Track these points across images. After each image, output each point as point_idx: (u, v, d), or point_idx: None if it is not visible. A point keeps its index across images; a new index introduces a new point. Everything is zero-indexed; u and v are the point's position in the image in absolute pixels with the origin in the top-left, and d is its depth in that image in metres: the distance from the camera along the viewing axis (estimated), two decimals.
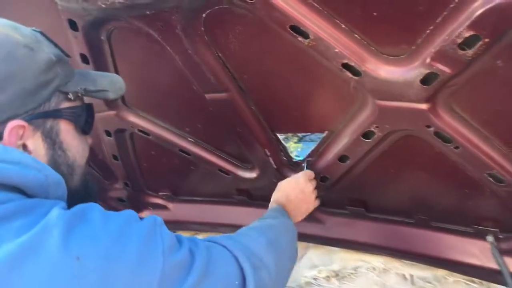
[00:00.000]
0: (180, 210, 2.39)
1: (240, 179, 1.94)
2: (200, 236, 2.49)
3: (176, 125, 1.82)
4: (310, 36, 1.16)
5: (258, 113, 1.59)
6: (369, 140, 1.42)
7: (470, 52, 1.01)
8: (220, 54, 1.40)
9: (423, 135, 1.32)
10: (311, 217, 1.95)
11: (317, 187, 1.62)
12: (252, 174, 1.89)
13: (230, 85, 1.49)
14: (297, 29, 1.17)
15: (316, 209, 1.92)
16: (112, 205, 2.46)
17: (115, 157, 2.12)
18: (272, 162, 1.75)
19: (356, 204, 1.82)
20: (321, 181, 1.70)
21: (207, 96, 1.54)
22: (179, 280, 0.81)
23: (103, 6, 1.26)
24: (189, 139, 1.86)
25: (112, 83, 1.09)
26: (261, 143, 1.68)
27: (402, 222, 1.79)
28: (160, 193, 2.36)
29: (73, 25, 1.42)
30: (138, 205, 2.45)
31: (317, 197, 1.63)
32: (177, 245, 0.86)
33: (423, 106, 1.22)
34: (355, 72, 1.21)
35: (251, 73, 1.46)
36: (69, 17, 1.40)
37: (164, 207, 2.41)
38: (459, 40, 1.00)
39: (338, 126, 1.49)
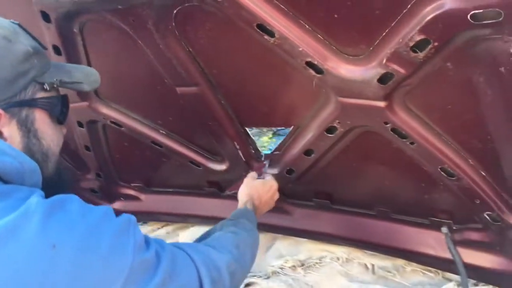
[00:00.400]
0: (152, 201, 2.43)
1: (211, 171, 1.99)
2: (170, 228, 2.55)
3: (148, 117, 1.86)
4: (276, 35, 1.22)
5: (227, 107, 1.64)
6: (332, 135, 1.50)
7: (421, 55, 1.09)
8: (190, 49, 1.45)
9: (381, 131, 1.40)
10: (279, 209, 2.04)
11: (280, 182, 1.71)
12: (222, 167, 1.94)
13: (200, 80, 1.54)
14: (263, 28, 1.23)
15: (284, 201, 2.00)
16: (84, 195, 2.47)
17: (87, 148, 2.14)
18: (241, 155, 1.81)
19: (321, 196, 1.91)
20: (287, 173, 1.77)
21: (178, 89, 1.59)
22: (145, 279, 0.85)
23: None
24: (161, 131, 1.90)
25: (87, 75, 1.12)
26: (231, 136, 1.74)
27: (364, 214, 1.88)
28: (132, 184, 2.39)
29: (45, 16, 1.44)
30: (110, 196, 2.48)
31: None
32: (145, 245, 0.89)
33: (381, 104, 1.30)
34: (318, 70, 1.28)
35: (220, 68, 1.51)
36: (42, 9, 1.42)
37: (136, 198, 2.45)
38: (411, 43, 1.08)
39: (304, 121, 1.57)
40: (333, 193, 1.88)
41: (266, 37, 1.25)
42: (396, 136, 1.39)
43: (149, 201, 2.44)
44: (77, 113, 1.93)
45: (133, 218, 0.92)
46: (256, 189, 1.63)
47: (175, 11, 1.31)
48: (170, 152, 1.97)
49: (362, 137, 1.50)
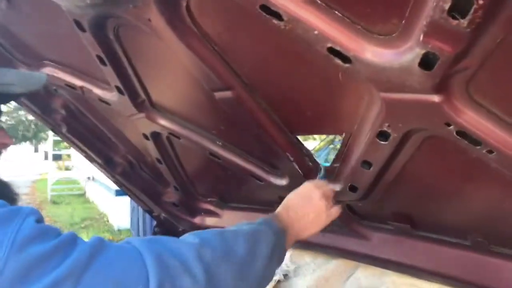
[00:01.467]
0: (231, 218, 2.30)
1: (274, 187, 1.78)
2: None
3: (201, 126, 1.74)
4: (284, 17, 0.99)
5: (271, 113, 1.43)
6: (386, 143, 1.18)
7: (464, 22, 0.75)
8: (214, 47, 1.28)
9: (446, 136, 1.05)
10: (354, 232, 1.73)
11: (334, 194, 1.41)
12: (282, 182, 1.72)
13: (233, 82, 1.36)
14: (268, 9, 1.00)
15: (359, 224, 1.70)
16: (168, 209, 2.47)
17: (159, 161, 2.12)
18: (298, 168, 1.57)
19: (399, 219, 1.55)
20: (351, 190, 1.47)
21: (216, 95, 1.44)
22: (38, 274, 0.74)
23: (88, 2, 1.23)
24: (217, 142, 1.77)
25: (25, 79, 1.12)
26: (281, 146, 1.51)
27: (456, 244, 1.47)
28: (209, 199, 2.31)
29: (79, 25, 1.42)
30: (191, 210, 2.43)
31: (336, 204, 1.41)
32: (41, 237, 0.79)
33: (434, 98, 0.96)
34: (344, 58, 1.00)
35: (251, 67, 1.31)
36: (74, 18, 1.40)
37: (215, 214, 2.35)
38: (446, 5, 0.75)
39: (354, 127, 1.27)
40: (412, 216, 1.51)
41: (275, 21, 1.01)
42: (466, 141, 1.02)
43: (228, 217, 2.32)
44: (140, 125, 1.91)
45: (35, 210, 0.85)
46: (296, 196, 1.39)
47: (185, 3, 1.16)
48: (230, 165, 1.82)
49: (428, 145, 1.15)
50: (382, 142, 1.18)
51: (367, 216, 1.67)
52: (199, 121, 1.74)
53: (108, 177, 2.41)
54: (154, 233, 2.59)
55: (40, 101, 1.99)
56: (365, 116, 1.18)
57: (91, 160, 2.29)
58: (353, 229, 1.74)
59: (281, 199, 1.89)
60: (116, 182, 2.47)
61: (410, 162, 1.26)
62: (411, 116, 1.04)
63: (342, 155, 1.41)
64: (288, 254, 2.05)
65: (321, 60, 1.05)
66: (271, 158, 1.63)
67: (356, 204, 1.61)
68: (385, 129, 1.13)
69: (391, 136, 1.14)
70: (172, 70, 1.55)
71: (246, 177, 1.86)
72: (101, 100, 1.84)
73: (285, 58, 1.22)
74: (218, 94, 1.43)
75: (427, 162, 1.24)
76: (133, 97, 1.72)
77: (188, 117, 1.75)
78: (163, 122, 1.80)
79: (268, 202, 2.01)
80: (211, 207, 2.33)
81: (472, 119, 0.96)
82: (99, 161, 2.26)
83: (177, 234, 2.69)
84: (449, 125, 0.99)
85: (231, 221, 2.28)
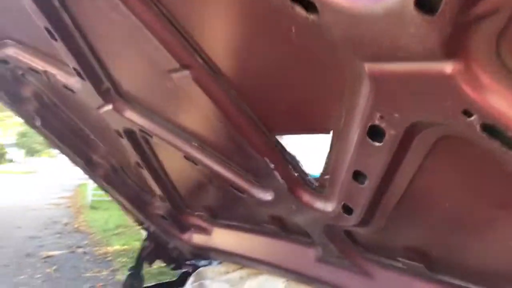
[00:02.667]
0: (220, 236, 1.97)
1: (260, 202, 1.43)
2: (245, 272, 2.02)
3: (171, 121, 1.43)
4: None
5: (241, 103, 1.09)
6: (381, 144, 0.81)
7: None
8: (165, 13, 0.97)
9: (467, 134, 0.67)
10: (355, 266, 1.35)
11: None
12: (266, 196, 1.37)
13: (190, 60, 1.04)
14: None
15: (361, 255, 1.32)
16: (156, 222, 2.16)
17: (139, 165, 1.82)
18: (280, 179, 1.21)
19: (412, 255, 1.16)
20: (344, 211, 1.10)
21: (174, 77, 1.12)
22: None
23: None
24: (193, 143, 1.44)
25: None
26: (257, 149, 1.17)
27: None
28: (197, 213, 1.98)
29: None
30: (180, 225, 2.11)
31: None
32: None
33: (444, 67, 0.59)
34: (307, 4, 0.65)
35: (212, 43, 0.99)
36: None
37: (205, 230, 2.02)
38: None
39: (340, 123, 0.91)
40: (428, 253, 1.11)
41: None
42: (499, 143, 0.64)
43: (218, 236, 1.98)
44: (110, 120, 1.62)
45: None
46: None
47: None
48: (208, 172, 1.49)
49: (442, 150, 0.77)
50: (375, 143, 0.81)
51: (372, 248, 1.29)
52: (170, 116, 1.43)
53: (92, 180, 2.15)
54: (144, 248, 2.29)
55: (9, 88, 1.76)
56: (352, 106, 0.82)
57: (71, 159, 2.04)
58: (355, 262, 1.35)
59: (272, 219, 1.56)
60: (101, 187, 2.21)
61: (420, 176, 0.88)
62: (410, 100, 0.68)
63: (331, 163, 1.05)
64: (282, 285, 1.68)
65: (288, 22, 0.72)
66: (249, 164, 1.29)
67: (357, 232, 1.24)
68: (377, 122, 0.77)
69: (387, 134, 0.77)
70: (132, 50, 1.26)
71: (230, 190, 1.52)
72: (66, 87, 1.57)
73: (249, 28, 0.89)
74: (176, 76, 1.11)
75: (444, 176, 0.86)
76: (96, 83, 1.44)
77: (158, 110, 1.44)
78: (131, 115, 1.50)
79: (259, 221, 1.66)
80: (200, 222, 2.00)
81: (507, 103, 0.59)
82: (79, 160, 2.00)
83: (166, 250, 2.39)
84: (469, 114, 0.62)
85: (221, 240, 1.94)
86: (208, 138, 1.38)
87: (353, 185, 0.98)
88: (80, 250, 8.53)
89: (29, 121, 1.88)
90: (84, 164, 1.99)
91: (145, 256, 2.27)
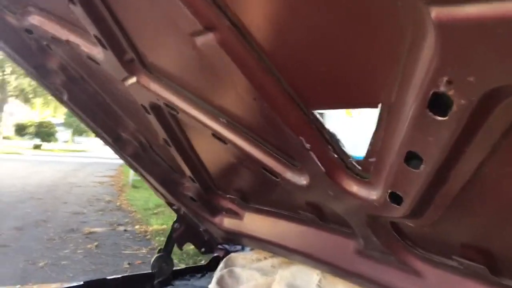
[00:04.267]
0: (252, 221, 1.83)
1: (295, 187, 1.28)
2: (276, 261, 1.89)
3: (198, 94, 1.29)
4: None
5: (274, 71, 0.94)
6: (444, 118, 0.63)
7: None
8: None
9: None
10: (404, 264, 1.18)
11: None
12: (301, 180, 1.21)
13: (214, 20, 0.89)
14: None
15: (409, 251, 1.15)
16: (186, 204, 2.06)
17: (167, 143, 1.71)
18: (317, 161, 1.06)
19: (472, 255, 0.98)
20: (392, 201, 0.94)
21: (197, 41, 0.98)
22: None
23: None
24: (221, 119, 1.31)
25: None
26: (291, 126, 1.01)
27: None
28: (228, 196, 1.85)
29: None
30: (210, 208, 1.99)
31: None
32: None
33: None
34: None
35: (249, 2, 0.84)
36: None
37: (236, 215, 1.90)
38: None
39: (392, 94, 0.74)
40: (493, 253, 0.93)
41: None
42: None
43: (250, 221, 1.85)
44: (136, 94, 1.51)
45: None
46: None
47: None
48: (238, 151, 1.35)
49: None
50: (438, 117, 0.64)
51: (422, 243, 1.12)
52: (196, 89, 1.29)
53: (121, 158, 2.07)
54: (174, 230, 2.20)
55: (34, 59, 1.69)
56: (409, 70, 0.65)
57: (99, 136, 1.96)
58: (401, 258, 1.19)
59: (309, 206, 1.40)
60: (130, 165, 2.12)
61: (493, 160, 0.70)
62: (492, 57, 0.50)
63: (378, 144, 0.88)
64: (317, 278, 1.54)
65: None
66: (283, 144, 1.13)
67: (405, 224, 1.07)
68: (442, 89, 0.59)
69: (455, 105, 0.60)
70: (154, 13, 1.12)
71: (262, 172, 1.37)
72: (90, 58, 1.46)
73: None
74: (199, 40, 0.96)
75: None
76: (119, 52, 1.33)
77: (183, 82, 1.31)
78: (156, 88, 1.38)
79: (294, 207, 1.52)
80: (232, 206, 1.88)
81: None
82: (108, 138, 1.91)
83: (197, 233, 2.29)
84: None
85: (252, 225, 1.81)
86: (237, 114, 1.24)
87: (405, 169, 0.81)
88: (121, 227, 8.72)
89: (56, 95, 1.81)
90: (112, 141, 1.91)
91: (175, 238, 2.18)
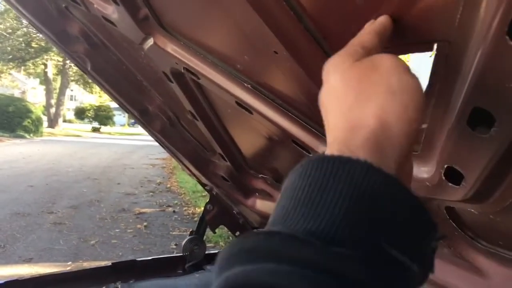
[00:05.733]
0: None
1: None
2: None
3: (218, 55, 1.12)
4: None
5: (302, 20, 0.74)
6: None
7: None
8: None
9: None
10: (464, 260, 0.97)
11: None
12: None
13: None
14: None
15: (471, 246, 0.93)
16: (218, 184, 1.91)
17: (193, 116, 1.55)
18: None
19: None
20: (448, 178, 0.72)
21: None
22: None
23: None
24: (245, 84, 1.13)
25: None
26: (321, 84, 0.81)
27: None
28: (260, 175, 1.68)
29: None
30: (244, 189, 1.83)
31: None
32: None
33: None
34: None
35: None
36: None
37: (270, 196, 1.72)
38: None
39: (451, 32, 0.53)
40: None
41: None
42: None
43: None
44: (155, 58, 1.36)
45: None
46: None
47: None
48: (264, 120, 1.17)
49: None
50: None
51: (486, 235, 0.89)
52: (217, 48, 1.12)
53: (148, 133, 1.95)
54: (206, 211, 2.07)
55: (55, 25, 1.58)
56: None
57: (125, 109, 1.84)
58: (458, 253, 0.96)
59: None
60: (159, 142, 2.00)
61: None
62: None
63: (431, 102, 0.67)
64: None
65: None
66: (314, 111, 0.94)
67: (465, 210, 0.85)
68: None
69: None
70: None
71: (294, 148, 1.19)
72: (106, 18, 1.33)
73: None
74: None
75: None
76: (132, 8, 1.18)
77: (203, 42, 1.14)
78: (174, 49, 1.22)
79: None
80: (265, 187, 1.70)
81: None
82: (134, 112, 1.79)
83: (231, 215, 2.14)
84: None
85: None
86: (262, 76, 1.05)
87: (469, 134, 0.60)
88: (170, 209, 8.85)
89: (80, 66, 1.70)
90: (139, 115, 1.78)
91: (208, 220, 2.04)
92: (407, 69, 0.46)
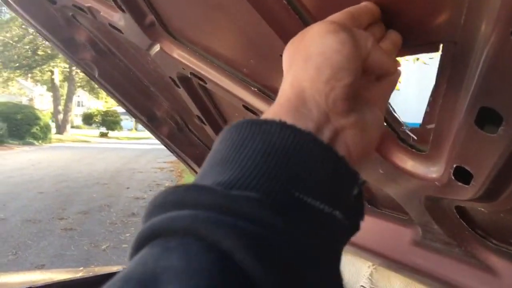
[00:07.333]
0: None
1: None
2: None
3: (224, 59, 1.12)
4: None
5: (302, 15, 0.75)
6: None
7: None
8: None
9: None
10: (474, 259, 0.97)
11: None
12: None
13: None
14: None
15: (482, 245, 0.93)
16: None
17: (201, 120, 1.56)
18: None
19: None
20: (458, 178, 0.72)
21: None
22: None
23: None
24: (252, 88, 1.13)
25: None
26: None
27: None
28: None
29: None
30: None
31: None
32: None
33: None
34: None
35: None
36: None
37: None
38: None
39: (456, 30, 0.53)
40: None
41: None
42: None
43: None
44: (162, 64, 1.37)
45: None
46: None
47: None
48: None
49: None
50: None
51: (497, 233, 0.89)
52: (224, 53, 1.12)
53: (158, 139, 1.96)
54: None
55: (62, 33, 1.60)
56: None
57: (134, 116, 1.86)
58: (469, 252, 0.96)
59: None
60: (167, 147, 2.01)
61: None
62: None
63: (438, 102, 0.67)
64: (368, 270, 1.34)
65: None
66: None
67: (475, 209, 0.85)
68: None
69: None
70: None
71: None
72: (112, 26, 1.34)
73: None
74: None
75: None
76: (138, 15, 1.19)
77: (208, 46, 1.15)
78: (181, 55, 1.23)
79: None
80: None
81: None
82: (142, 117, 1.80)
83: None
84: None
85: None
86: (268, 80, 1.06)
87: (476, 135, 0.60)
88: None
89: (88, 73, 1.72)
90: (147, 120, 1.80)
91: None
92: (332, 29, 0.46)
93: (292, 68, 0.47)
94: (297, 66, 0.46)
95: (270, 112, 0.44)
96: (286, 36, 0.79)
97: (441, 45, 0.59)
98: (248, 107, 1.17)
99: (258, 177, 0.35)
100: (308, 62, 0.45)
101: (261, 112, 1.13)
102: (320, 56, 0.44)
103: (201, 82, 1.27)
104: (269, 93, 1.10)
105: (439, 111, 0.68)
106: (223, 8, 0.94)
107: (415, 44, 0.64)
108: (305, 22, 0.75)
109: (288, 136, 0.38)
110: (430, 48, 0.61)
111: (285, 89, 0.45)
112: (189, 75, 1.28)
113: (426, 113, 0.72)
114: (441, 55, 0.60)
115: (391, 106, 0.82)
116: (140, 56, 1.51)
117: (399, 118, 0.81)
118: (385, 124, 0.83)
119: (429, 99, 0.70)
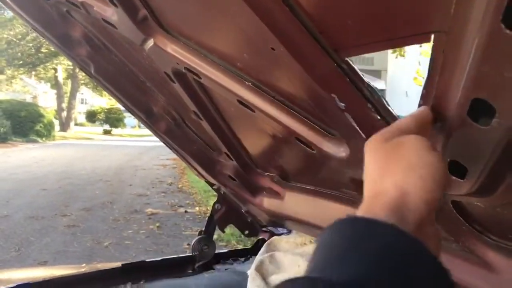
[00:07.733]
0: (294, 202, 1.64)
1: (334, 160, 1.07)
2: None
3: (217, 53, 1.11)
4: None
5: (298, 15, 0.73)
6: None
7: None
8: None
9: None
10: (472, 254, 0.95)
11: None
12: (340, 151, 1.00)
13: None
14: None
15: (479, 240, 0.92)
16: (225, 183, 1.90)
17: (197, 115, 1.55)
18: (355, 125, 0.84)
19: None
20: (453, 172, 0.70)
21: None
22: None
23: None
24: (246, 82, 1.12)
25: None
26: (319, 80, 0.80)
27: None
28: (267, 174, 1.67)
29: None
30: (251, 187, 1.82)
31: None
32: None
33: None
34: None
35: None
36: None
37: (276, 194, 1.71)
38: None
39: (447, 19, 0.51)
40: None
41: None
42: None
43: (291, 201, 1.66)
44: (157, 59, 1.35)
45: None
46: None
47: None
48: (266, 118, 1.16)
49: None
50: None
51: (494, 228, 0.87)
52: (216, 47, 1.11)
53: (155, 135, 1.95)
54: (214, 210, 2.07)
55: (57, 29, 1.58)
56: None
57: (131, 112, 1.84)
58: (467, 247, 0.95)
59: (353, 182, 1.19)
60: (165, 143, 2.00)
61: None
62: None
63: (431, 93, 0.65)
64: None
65: None
66: (314, 106, 0.93)
67: (472, 204, 0.83)
68: None
69: None
70: None
71: (298, 145, 1.18)
72: (106, 21, 1.33)
73: None
74: None
75: None
76: (130, 10, 1.17)
77: (202, 41, 1.13)
78: (174, 49, 1.21)
79: (338, 185, 1.30)
80: (272, 185, 1.69)
81: None
82: (139, 113, 1.79)
83: (239, 214, 2.14)
84: None
85: (295, 206, 1.62)
86: (262, 74, 1.04)
87: (470, 128, 0.58)
88: (181, 209, 8.86)
89: (84, 69, 1.70)
90: (144, 116, 1.78)
91: (217, 219, 2.04)
92: (428, 147, 0.54)
93: (390, 171, 0.52)
94: (397, 171, 0.51)
95: (371, 205, 0.49)
96: (277, 30, 0.77)
97: (432, 36, 0.57)
98: (242, 102, 1.15)
99: (375, 282, 0.37)
100: (411, 171, 0.50)
101: (255, 107, 1.11)
102: (424, 169, 0.51)
103: (195, 77, 1.26)
104: (262, 87, 1.08)
105: (432, 104, 0.67)
106: (215, 2, 0.92)
107: (406, 34, 0.62)
108: (296, 15, 0.74)
109: (402, 242, 0.41)
110: (422, 38, 0.60)
111: (387, 188, 0.50)
112: (183, 70, 1.26)
113: (419, 106, 0.71)
114: (433, 46, 0.58)
115: (385, 100, 0.80)
116: (135, 51, 1.49)
117: (393, 112, 0.79)
118: (378, 117, 0.81)
119: (422, 91, 0.68)
